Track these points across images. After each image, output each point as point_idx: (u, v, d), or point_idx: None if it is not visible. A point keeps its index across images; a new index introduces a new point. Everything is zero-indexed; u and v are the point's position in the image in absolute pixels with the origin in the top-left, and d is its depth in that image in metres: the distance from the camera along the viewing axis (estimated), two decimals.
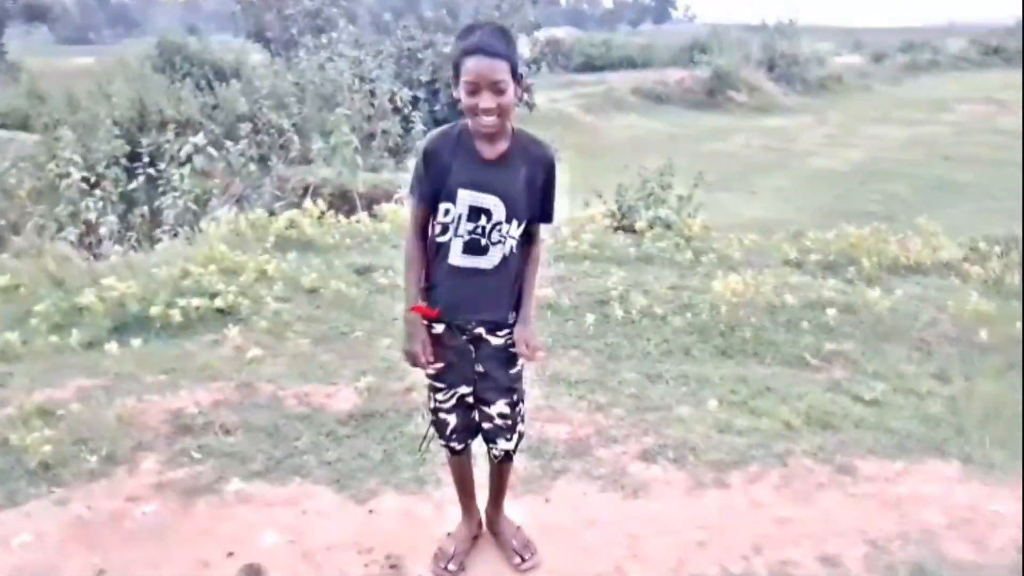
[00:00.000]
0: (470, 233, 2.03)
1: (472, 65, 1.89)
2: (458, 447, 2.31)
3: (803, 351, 3.99)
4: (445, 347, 2.17)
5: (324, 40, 15.76)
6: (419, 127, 12.68)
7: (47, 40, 46.68)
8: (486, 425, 2.24)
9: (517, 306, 2.16)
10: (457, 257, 2.06)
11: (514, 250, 2.08)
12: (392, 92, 13.80)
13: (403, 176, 11.30)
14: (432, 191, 2.05)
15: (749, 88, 23.37)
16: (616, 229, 6.06)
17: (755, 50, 26.94)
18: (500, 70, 1.89)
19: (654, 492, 2.77)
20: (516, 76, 1.93)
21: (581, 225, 6.13)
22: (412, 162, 9.33)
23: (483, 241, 2.04)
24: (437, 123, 16.43)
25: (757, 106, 22.15)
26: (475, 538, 2.46)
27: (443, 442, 2.32)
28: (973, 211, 9.66)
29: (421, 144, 2.10)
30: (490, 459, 2.34)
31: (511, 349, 2.16)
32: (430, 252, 2.12)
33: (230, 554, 2.42)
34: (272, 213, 6.64)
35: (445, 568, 2.32)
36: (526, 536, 2.43)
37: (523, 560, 2.35)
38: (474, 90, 1.90)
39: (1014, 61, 29.61)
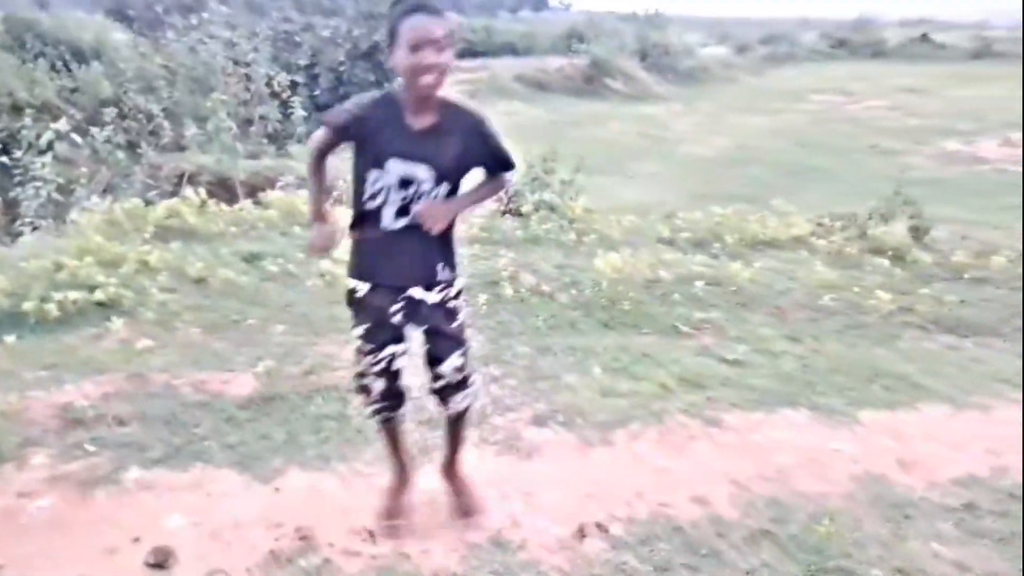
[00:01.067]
0: (401, 200, 2.12)
1: (415, 22, 1.95)
2: (384, 416, 2.37)
3: (676, 321, 4.37)
4: (370, 307, 2.23)
5: (194, 21, 15.05)
6: (299, 112, 12.40)
7: None
8: (437, 384, 2.29)
9: (447, 259, 2.23)
10: (389, 221, 2.15)
11: None
12: (269, 76, 13.41)
13: (285, 163, 11.06)
14: (349, 141, 2.14)
15: (625, 77, 24.25)
16: (504, 213, 6.28)
17: (629, 40, 27.96)
18: (442, 27, 1.96)
19: (546, 453, 3.00)
20: (452, 40, 2.00)
21: None
22: (293, 149, 9.19)
23: (412, 206, 2.12)
24: (318, 108, 16.09)
25: (632, 94, 23.03)
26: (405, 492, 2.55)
27: (369, 409, 2.37)
28: (825, 192, 10.60)
29: (351, 103, 2.15)
30: (447, 419, 2.43)
31: (449, 304, 2.24)
32: (358, 217, 2.19)
33: (136, 539, 2.44)
34: (148, 203, 6.40)
35: (390, 524, 2.46)
36: (476, 493, 2.56)
37: (468, 516, 2.50)
38: (416, 47, 1.95)
39: (858, 54, 32.29)
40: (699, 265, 5.06)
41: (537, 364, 3.76)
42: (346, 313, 4.44)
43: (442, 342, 2.26)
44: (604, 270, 4.58)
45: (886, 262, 5.56)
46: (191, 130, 10.61)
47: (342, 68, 17.12)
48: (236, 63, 13.47)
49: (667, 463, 2.99)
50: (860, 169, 12.57)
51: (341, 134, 2.16)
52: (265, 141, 12.36)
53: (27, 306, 4.11)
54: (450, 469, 2.58)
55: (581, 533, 2.51)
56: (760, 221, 6.12)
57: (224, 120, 8.29)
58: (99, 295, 4.29)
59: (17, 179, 8.37)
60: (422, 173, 2.10)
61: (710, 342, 4.13)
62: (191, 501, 2.65)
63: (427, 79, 1.98)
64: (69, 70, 12.97)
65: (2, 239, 7.07)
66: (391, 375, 2.30)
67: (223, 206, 6.23)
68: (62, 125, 8.22)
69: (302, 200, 6.48)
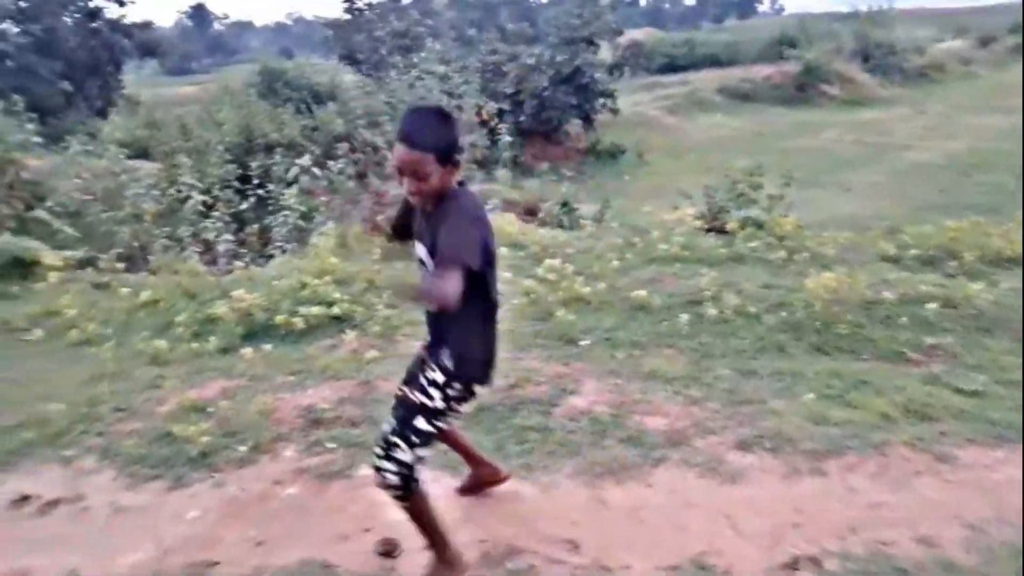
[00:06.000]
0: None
1: (396, 152, 2.08)
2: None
3: (901, 346, 4.01)
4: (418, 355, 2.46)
5: (413, 59, 16.41)
6: (505, 138, 13.03)
7: (156, 72, 50.10)
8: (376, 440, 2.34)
9: (452, 355, 2.26)
10: None
11: None
12: (478, 106, 14.24)
13: (492, 187, 11.70)
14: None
15: (842, 81, 22.65)
16: (707, 231, 6.15)
17: (848, 40, 26.06)
18: (416, 161, 2.05)
19: (750, 478, 2.91)
20: (447, 159, 2.07)
21: (670, 228, 6.25)
22: (499, 173, 9.64)
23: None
24: (521, 134, 16.78)
25: (850, 99, 21.44)
26: (481, 483, 2.82)
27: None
28: None
29: None
30: None
31: (423, 380, 2.29)
32: None
33: (366, 529, 2.73)
34: (374, 227, 7.09)
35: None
36: None
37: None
38: (400, 171, 2.10)
39: None
40: (930, 285, 4.59)
41: (741, 387, 3.64)
42: (548, 329, 4.61)
43: (396, 406, 2.35)
44: (817, 290, 4.32)
45: None
46: None
47: (545, 93, 17.73)
48: (449, 95, 14.49)
49: (887, 498, 2.76)
50: None
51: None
52: (474, 166, 13.14)
53: (278, 319, 4.74)
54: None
55: (792, 565, 2.41)
56: (1005, 235, 5.42)
57: None
58: (335, 310, 4.83)
59: (270, 209, 9.66)
60: (424, 255, 2.21)
61: (941, 370, 3.74)
62: None
63: (412, 199, 2.14)
64: (310, 111, 14.70)
65: (258, 261, 8.19)
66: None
67: None
68: (306, 161, 9.36)
69: (505, 221, 6.84)
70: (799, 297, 4.46)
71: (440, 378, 2.28)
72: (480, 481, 2.84)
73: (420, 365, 2.37)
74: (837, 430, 3.19)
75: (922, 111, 18.47)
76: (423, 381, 2.30)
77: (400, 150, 2.07)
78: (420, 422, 2.28)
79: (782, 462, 2.99)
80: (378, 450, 2.30)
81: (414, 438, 2.27)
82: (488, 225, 2.19)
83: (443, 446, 3.00)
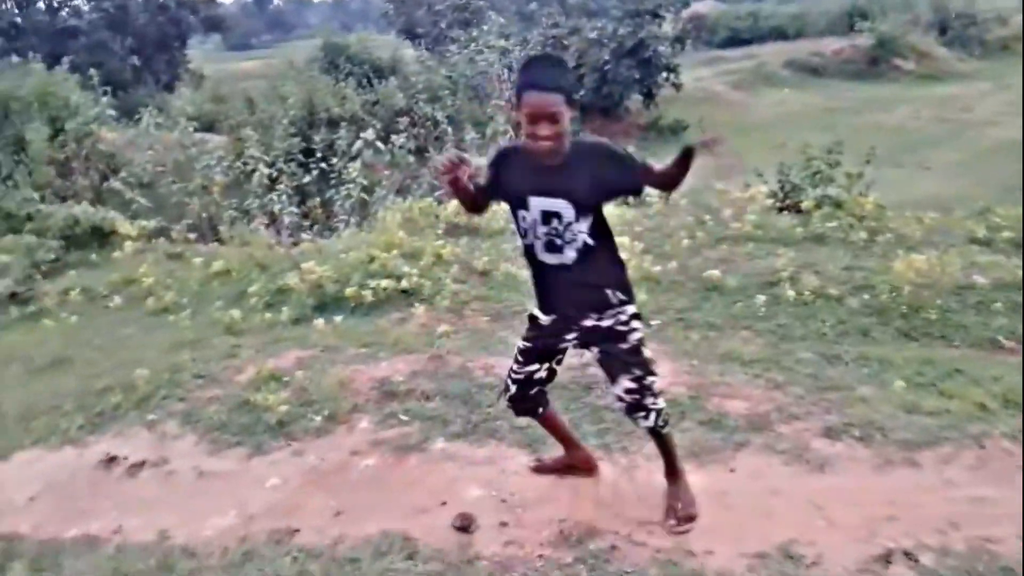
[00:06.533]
0: (547, 235, 2.29)
1: (530, 99, 2.14)
2: (515, 412, 2.70)
3: (996, 333, 3.81)
4: (541, 331, 2.48)
5: (473, 33, 16.28)
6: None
7: (218, 48, 51.01)
8: (618, 404, 2.46)
9: (616, 285, 2.36)
10: (543, 255, 2.35)
11: (589, 242, 2.30)
12: None
13: None
14: (491, 188, 2.36)
15: (918, 55, 21.61)
16: (780, 210, 5.94)
17: (924, 11, 24.83)
18: (554, 103, 2.14)
19: (839, 467, 2.80)
20: (570, 101, 2.17)
21: (741, 206, 6.06)
22: None
23: (558, 241, 2.29)
24: (583, 109, 16.54)
25: (927, 74, 20.45)
26: (568, 467, 2.80)
27: (507, 401, 2.65)
28: None
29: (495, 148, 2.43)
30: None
31: (619, 328, 2.36)
32: (524, 254, 2.43)
33: (443, 503, 2.73)
34: (439, 202, 7.08)
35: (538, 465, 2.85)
36: (692, 502, 2.54)
37: (676, 523, 2.50)
38: (533, 120, 2.15)
39: None
40: None
41: (824, 373, 3.51)
42: None
43: (613, 365, 2.41)
44: (905, 273, 4.12)
45: None
46: (470, 135, 11.52)
47: (607, 68, 17.41)
48: (510, 70, 14.34)
49: (988, 492, 2.62)
50: None
51: (488, 191, 2.38)
52: None
53: (348, 292, 4.78)
54: (667, 476, 2.61)
55: (886, 558, 2.31)
56: None
57: (502, 124, 8.85)
58: (404, 284, 4.84)
59: (332, 183, 9.75)
60: (562, 207, 2.25)
61: None
62: (487, 474, 2.89)
63: (544, 144, 2.17)
64: (371, 85, 14.73)
65: (323, 234, 8.30)
66: (525, 385, 2.57)
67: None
68: (370, 135, 9.39)
69: None
70: (884, 280, 4.27)
71: (630, 310, 2.38)
72: (572, 464, 2.80)
73: (564, 329, 2.43)
74: (931, 420, 3.04)
75: (1006, 86, 17.44)
76: (619, 328, 2.36)
77: (535, 96, 2.14)
78: (647, 352, 2.42)
79: (873, 452, 2.87)
80: (642, 399, 2.39)
81: (652, 368, 2.43)
82: None
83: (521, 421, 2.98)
